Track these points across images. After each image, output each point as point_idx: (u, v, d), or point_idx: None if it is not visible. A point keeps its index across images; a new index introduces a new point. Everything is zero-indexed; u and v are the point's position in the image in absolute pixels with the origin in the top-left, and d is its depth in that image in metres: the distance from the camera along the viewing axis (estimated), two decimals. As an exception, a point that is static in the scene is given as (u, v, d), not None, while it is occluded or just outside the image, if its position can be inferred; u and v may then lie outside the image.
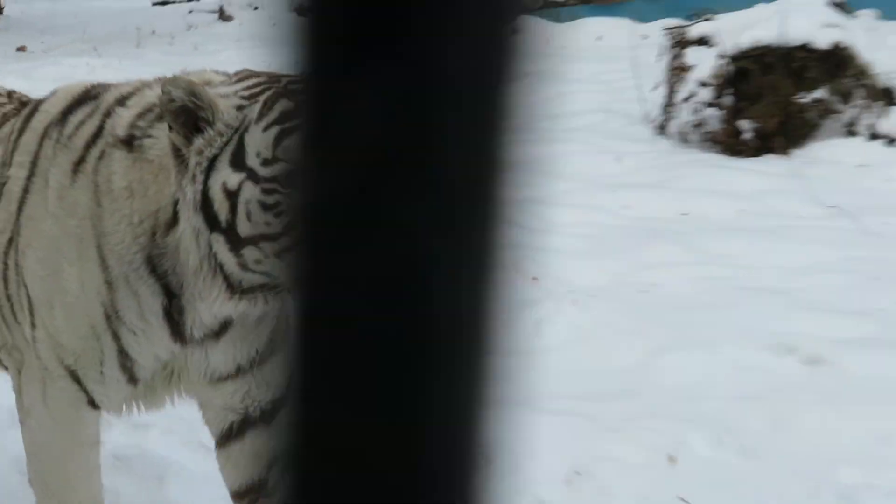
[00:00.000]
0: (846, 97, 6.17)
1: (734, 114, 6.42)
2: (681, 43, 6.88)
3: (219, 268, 1.87)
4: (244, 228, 1.83)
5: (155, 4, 16.86)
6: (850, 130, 6.18)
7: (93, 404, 2.08)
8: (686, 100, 6.66)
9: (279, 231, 1.80)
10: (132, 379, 2.06)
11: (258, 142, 1.83)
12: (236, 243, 1.84)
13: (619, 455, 2.75)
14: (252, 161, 1.82)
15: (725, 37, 6.52)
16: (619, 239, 4.65)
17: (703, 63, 6.61)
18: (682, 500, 2.59)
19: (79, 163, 1.97)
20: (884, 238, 4.50)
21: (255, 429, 2.21)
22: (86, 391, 2.05)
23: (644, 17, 10.10)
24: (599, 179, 5.60)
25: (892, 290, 3.87)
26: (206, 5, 15.22)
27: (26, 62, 11.04)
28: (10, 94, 2.43)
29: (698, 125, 6.59)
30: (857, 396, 3.04)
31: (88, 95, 2.08)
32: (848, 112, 6.20)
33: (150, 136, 1.94)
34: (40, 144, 2.04)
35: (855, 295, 3.84)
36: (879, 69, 6.23)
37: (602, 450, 2.75)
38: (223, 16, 14.35)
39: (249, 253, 1.84)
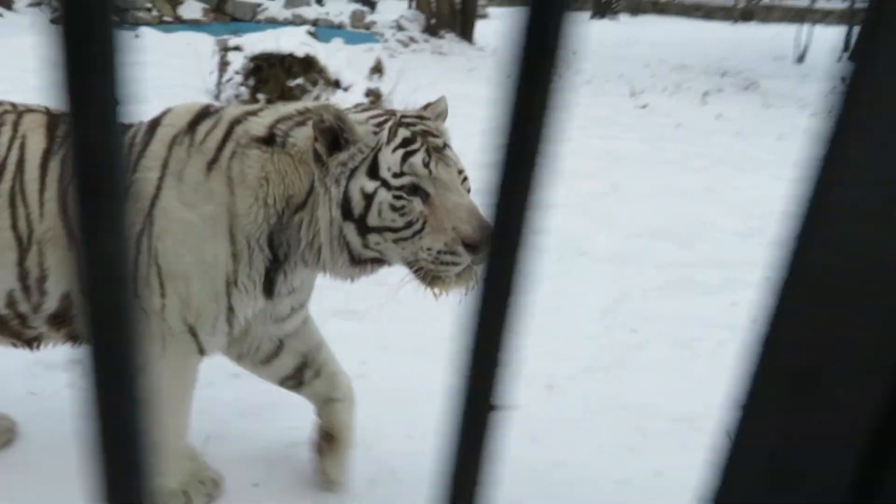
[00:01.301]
0: (314, 83, 7.25)
1: (255, 90, 7.26)
2: (226, 49, 7.66)
3: (346, 245, 1.81)
4: (373, 221, 1.77)
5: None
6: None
7: (201, 352, 1.98)
8: (228, 81, 7.48)
9: (400, 226, 1.75)
10: (231, 330, 1.99)
11: (389, 160, 1.77)
12: (364, 230, 1.79)
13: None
14: (384, 173, 1.77)
15: (249, 47, 7.38)
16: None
17: (237, 61, 7.43)
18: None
19: (212, 162, 1.85)
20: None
21: (286, 350, 2.27)
22: (198, 342, 1.95)
23: (215, 33, 11.38)
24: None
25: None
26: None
27: None
28: (14, 105, 2.09)
29: (237, 96, 7.35)
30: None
31: (208, 112, 1.95)
32: (315, 91, 7.17)
33: (291, 137, 1.86)
34: (169, 151, 1.88)
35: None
36: (332, 68, 7.37)
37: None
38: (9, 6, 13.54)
39: (372, 238, 1.79)
